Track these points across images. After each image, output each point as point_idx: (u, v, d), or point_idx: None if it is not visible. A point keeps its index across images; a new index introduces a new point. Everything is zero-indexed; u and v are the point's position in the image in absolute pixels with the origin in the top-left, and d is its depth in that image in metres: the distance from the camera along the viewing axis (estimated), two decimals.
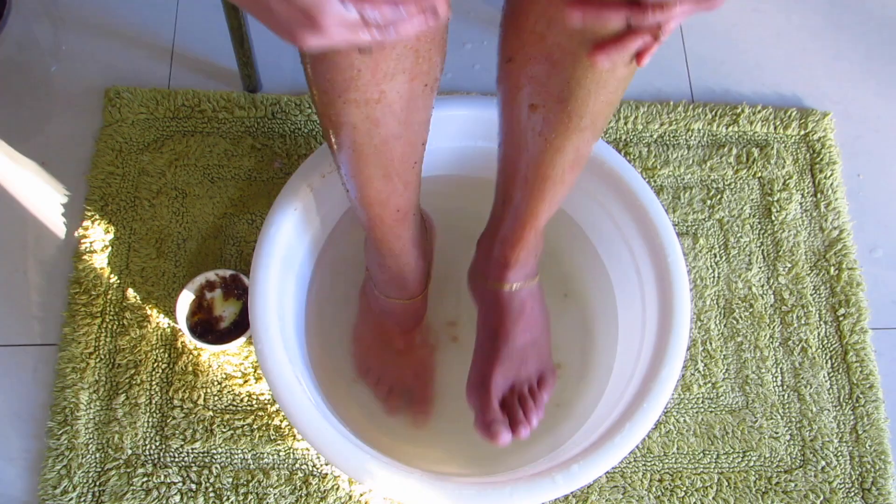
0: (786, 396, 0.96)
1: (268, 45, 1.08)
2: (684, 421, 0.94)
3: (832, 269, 1.03)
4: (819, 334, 1.00)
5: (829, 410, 0.96)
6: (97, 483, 0.88)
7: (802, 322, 1.00)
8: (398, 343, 0.89)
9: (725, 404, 0.95)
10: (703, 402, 0.95)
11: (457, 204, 0.96)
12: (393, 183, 0.67)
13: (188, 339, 0.92)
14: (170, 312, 0.95)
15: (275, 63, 1.10)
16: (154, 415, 0.91)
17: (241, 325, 0.93)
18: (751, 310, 1.00)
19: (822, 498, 0.92)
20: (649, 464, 0.92)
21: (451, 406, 0.90)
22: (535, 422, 0.78)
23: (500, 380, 0.79)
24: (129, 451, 0.89)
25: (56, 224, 1.00)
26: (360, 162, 0.64)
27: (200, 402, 0.92)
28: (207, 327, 0.93)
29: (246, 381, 0.92)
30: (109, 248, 0.98)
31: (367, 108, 0.57)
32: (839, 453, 0.94)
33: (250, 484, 0.89)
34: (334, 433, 0.70)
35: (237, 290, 0.94)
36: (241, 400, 0.92)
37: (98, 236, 0.98)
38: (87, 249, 0.98)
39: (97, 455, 0.89)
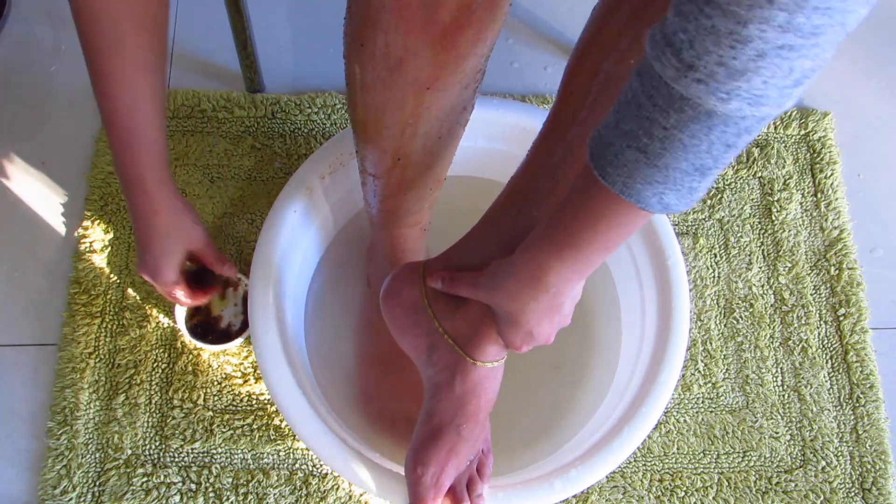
0: (786, 396, 0.96)
1: (269, 46, 1.08)
2: (684, 421, 0.94)
3: (832, 268, 1.03)
4: (819, 334, 1.00)
5: (829, 410, 0.96)
6: (97, 483, 0.88)
7: (803, 322, 1.00)
8: (400, 366, 0.86)
9: (725, 404, 0.95)
10: (703, 402, 0.95)
11: (458, 205, 0.96)
12: (423, 200, 0.71)
13: (188, 340, 0.92)
14: (169, 312, 0.95)
15: (275, 63, 1.10)
16: (154, 415, 0.91)
17: (240, 325, 0.93)
18: (751, 310, 1.00)
19: (822, 498, 0.92)
20: (649, 464, 0.92)
21: None
22: None
23: (453, 469, 0.67)
24: (129, 451, 0.90)
25: (56, 224, 1.00)
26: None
27: (200, 402, 0.92)
28: (207, 328, 0.93)
29: (246, 381, 0.92)
30: (109, 248, 0.98)
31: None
32: (839, 453, 0.94)
33: (250, 484, 0.89)
34: (332, 436, 0.70)
35: (230, 284, 0.94)
36: (241, 400, 0.92)
37: (98, 236, 0.98)
38: (87, 249, 0.98)
39: (97, 455, 0.89)
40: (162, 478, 0.88)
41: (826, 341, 0.99)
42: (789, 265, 1.02)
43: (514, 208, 0.63)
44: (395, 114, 0.58)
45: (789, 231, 1.04)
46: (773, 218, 1.05)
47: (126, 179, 0.69)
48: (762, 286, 1.01)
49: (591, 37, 0.59)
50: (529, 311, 0.57)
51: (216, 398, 0.92)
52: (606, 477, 0.91)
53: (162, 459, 0.89)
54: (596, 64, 0.59)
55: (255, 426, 0.91)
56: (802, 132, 1.10)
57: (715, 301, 1.00)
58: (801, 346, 0.98)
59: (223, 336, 0.92)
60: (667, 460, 0.92)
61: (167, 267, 0.75)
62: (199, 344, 0.91)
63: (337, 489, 0.89)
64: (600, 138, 0.45)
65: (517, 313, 0.57)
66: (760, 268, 1.02)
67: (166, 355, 0.94)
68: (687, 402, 0.95)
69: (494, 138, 0.89)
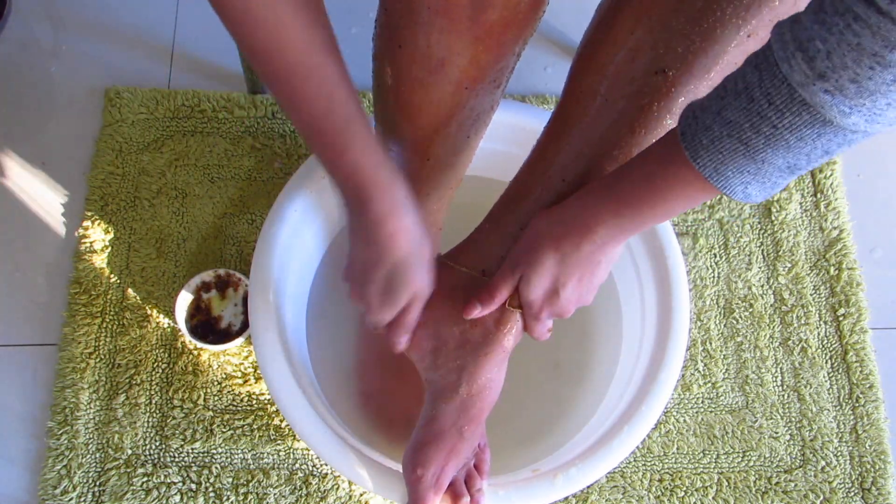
0: (786, 396, 0.96)
1: None
2: (684, 421, 0.94)
3: (832, 269, 1.03)
4: (819, 334, 1.00)
5: (829, 410, 0.96)
6: (97, 483, 0.88)
7: (802, 322, 1.00)
8: (399, 366, 0.86)
9: (725, 404, 0.95)
10: (703, 402, 0.95)
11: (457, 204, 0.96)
12: (444, 199, 0.71)
13: (188, 340, 0.92)
14: (169, 312, 0.95)
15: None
16: (154, 415, 0.91)
17: (241, 325, 0.93)
18: (751, 310, 1.00)
19: (822, 498, 0.92)
20: (649, 464, 0.92)
21: None
22: (482, 501, 0.67)
23: (453, 469, 0.66)
24: (129, 451, 0.90)
25: (56, 224, 1.00)
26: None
27: (200, 402, 0.92)
28: (207, 328, 0.93)
29: (246, 381, 0.93)
30: (109, 248, 0.98)
31: None
32: (839, 453, 0.94)
33: (250, 484, 0.89)
34: (332, 435, 0.70)
35: (230, 284, 0.94)
36: (241, 400, 0.92)
37: (98, 236, 0.98)
38: (87, 249, 0.98)
39: (97, 455, 0.89)
40: (162, 478, 0.88)
41: (826, 341, 0.99)
42: (789, 265, 1.02)
43: (520, 207, 0.62)
44: (430, 114, 0.58)
45: (789, 231, 1.04)
46: (773, 218, 1.05)
47: (350, 185, 0.55)
48: (762, 286, 1.01)
49: (599, 34, 0.59)
50: (568, 262, 0.56)
51: (216, 398, 0.92)
52: (606, 477, 0.91)
53: (162, 459, 0.89)
54: (605, 62, 0.57)
55: (255, 426, 0.91)
56: None
57: (715, 301, 1.00)
58: (800, 346, 0.98)
59: (223, 336, 0.93)
60: (667, 460, 0.92)
61: (392, 305, 0.61)
62: (200, 344, 0.91)
63: (337, 489, 0.89)
64: (696, 120, 0.45)
65: (552, 264, 0.56)
66: (760, 268, 1.02)
67: (166, 355, 0.94)
68: (687, 402, 0.95)
69: (494, 138, 0.89)
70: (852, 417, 0.96)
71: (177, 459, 0.89)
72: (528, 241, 0.58)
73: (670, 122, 0.56)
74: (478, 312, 0.61)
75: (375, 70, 0.59)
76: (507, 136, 0.87)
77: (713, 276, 1.01)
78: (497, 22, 0.50)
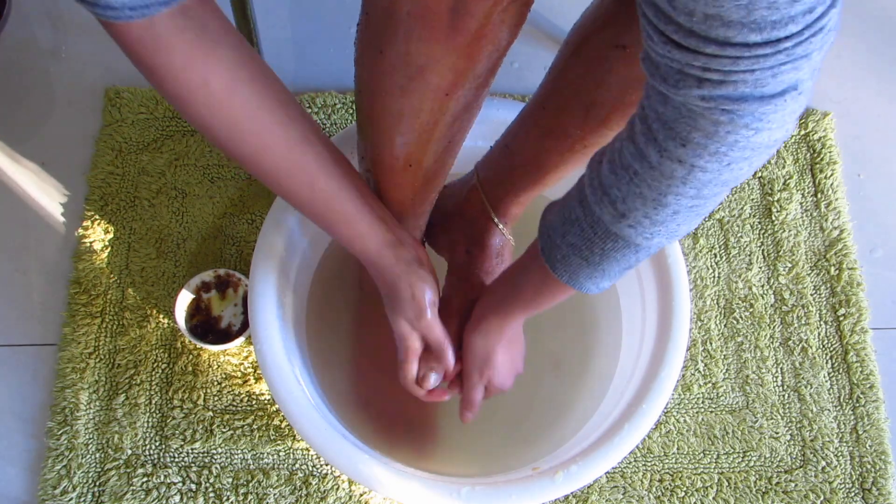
0: (786, 396, 0.96)
1: (269, 46, 1.08)
2: (684, 421, 0.94)
3: (832, 269, 1.03)
4: (819, 334, 1.00)
5: (829, 410, 0.96)
6: (97, 483, 0.88)
7: (803, 322, 1.00)
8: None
9: (725, 404, 0.95)
10: (703, 402, 0.95)
11: None
12: (426, 203, 0.75)
13: (188, 340, 0.92)
14: (169, 313, 0.95)
15: (275, 63, 1.09)
16: (154, 415, 0.91)
17: (241, 325, 0.93)
18: (751, 310, 1.00)
19: (822, 498, 0.92)
20: (649, 464, 0.92)
21: (452, 407, 0.90)
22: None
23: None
24: (129, 451, 0.89)
25: (56, 224, 1.00)
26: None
27: (200, 402, 0.92)
28: (207, 328, 0.93)
29: (246, 381, 0.92)
30: (109, 248, 0.98)
31: None
32: (839, 453, 0.94)
33: (250, 484, 0.89)
34: (334, 434, 0.70)
35: (230, 284, 0.94)
36: (241, 400, 0.92)
37: (98, 236, 0.98)
38: (87, 249, 0.98)
39: (97, 455, 0.89)
40: (162, 478, 0.88)
41: (826, 341, 0.99)
42: (789, 265, 1.02)
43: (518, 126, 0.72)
44: (411, 121, 0.58)
45: (789, 231, 1.04)
46: (773, 218, 1.05)
47: (366, 260, 0.67)
48: (762, 286, 1.01)
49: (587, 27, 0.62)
50: (489, 338, 0.71)
51: (216, 398, 0.92)
52: (606, 476, 0.91)
53: (162, 459, 0.89)
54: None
55: (255, 426, 0.91)
56: (802, 132, 1.10)
57: (715, 301, 1.00)
58: (801, 346, 0.98)
59: (223, 336, 0.93)
60: (667, 460, 0.92)
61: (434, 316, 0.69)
62: (200, 344, 0.91)
63: (337, 489, 0.89)
64: (550, 240, 0.56)
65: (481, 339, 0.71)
66: (760, 268, 1.02)
67: (166, 355, 0.94)
68: (687, 402, 0.95)
69: (494, 138, 0.89)
70: (853, 417, 0.96)
71: (177, 459, 0.89)
72: (469, 347, 0.72)
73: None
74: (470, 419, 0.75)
75: (357, 74, 0.60)
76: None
77: (713, 276, 1.01)
78: (477, 30, 0.50)
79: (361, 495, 0.89)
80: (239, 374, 0.93)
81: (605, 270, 0.55)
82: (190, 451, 0.90)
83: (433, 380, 0.72)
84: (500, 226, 0.76)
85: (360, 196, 0.63)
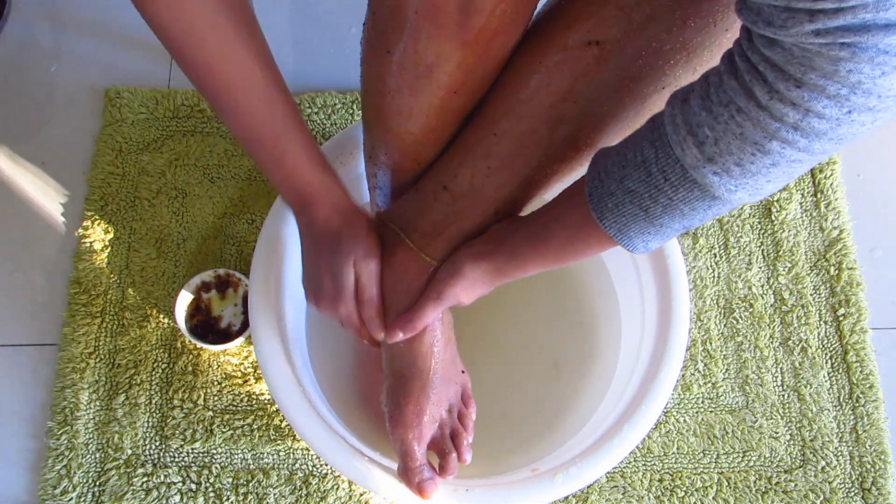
0: (786, 396, 0.96)
1: (270, 46, 1.08)
2: (684, 421, 0.94)
3: (832, 268, 1.03)
4: (819, 334, 1.00)
5: (829, 410, 0.96)
6: (97, 483, 0.88)
7: (802, 322, 1.00)
8: None
9: (725, 404, 0.95)
10: (703, 402, 0.95)
11: None
12: None
13: (188, 340, 0.92)
14: (169, 313, 0.95)
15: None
16: (154, 415, 0.91)
17: (241, 325, 0.93)
18: (751, 310, 1.00)
19: (822, 498, 0.92)
20: (649, 464, 0.92)
21: None
22: (468, 455, 0.70)
23: (429, 416, 0.70)
24: (129, 451, 0.90)
25: (56, 224, 1.00)
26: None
27: (200, 402, 0.92)
28: (207, 328, 0.93)
29: (246, 381, 0.93)
30: (109, 248, 0.98)
31: None
32: (839, 453, 0.94)
33: (250, 484, 0.89)
34: (333, 434, 0.70)
35: (230, 284, 0.94)
36: (241, 400, 0.92)
37: (98, 236, 0.98)
38: (87, 249, 0.98)
39: (97, 455, 0.89)
40: (162, 478, 0.88)
41: (826, 341, 0.99)
42: (789, 265, 1.02)
43: (460, 161, 0.64)
44: (419, 119, 0.58)
45: (789, 231, 1.04)
46: (773, 218, 1.05)
47: (291, 188, 0.61)
48: (762, 286, 1.01)
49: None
50: (483, 276, 0.62)
51: (216, 398, 0.92)
52: (606, 476, 0.91)
53: (162, 459, 0.89)
54: (554, 38, 0.56)
55: (255, 426, 0.91)
56: None
57: (715, 301, 1.00)
58: (800, 346, 0.98)
59: (223, 336, 0.93)
60: (667, 460, 0.92)
61: (342, 282, 0.64)
62: (200, 344, 0.91)
63: (337, 489, 0.89)
64: (601, 185, 0.49)
65: (469, 272, 0.62)
66: (760, 268, 1.02)
67: (166, 355, 0.94)
68: (687, 402, 0.95)
69: None
70: (852, 417, 0.96)
71: (177, 459, 0.89)
72: (448, 266, 0.64)
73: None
74: (400, 338, 0.67)
75: (364, 74, 0.60)
76: None
77: (713, 276, 1.01)
78: (485, 27, 0.50)
79: (361, 495, 0.89)
80: (239, 374, 0.93)
81: (662, 225, 0.48)
82: (190, 451, 0.90)
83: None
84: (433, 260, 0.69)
85: (305, 127, 0.60)
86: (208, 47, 0.52)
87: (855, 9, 0.33)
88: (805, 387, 0.97)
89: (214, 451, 0.90)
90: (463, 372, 0.74)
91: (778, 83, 0.38)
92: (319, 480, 0.89)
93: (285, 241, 0.80)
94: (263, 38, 0.56)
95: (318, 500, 0.88)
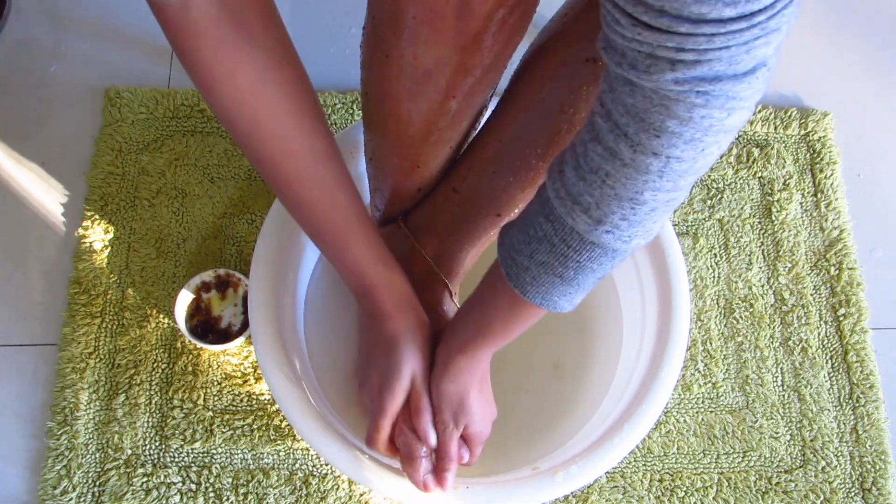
0: (786, 396, 0.96)
1: None
2: (684, 421, 0.94)
3: (832, 269, 1.03)
4: (819, 334, 1.00)
5: (829, 410, 0.96)
6: (97, 483, 0.88)
7: (802, 322, 1.00)
8: None
9: (725, 404, 0.95)
10: (703, 402, 0.95)
11: None
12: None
13: (188, 340, 0.92)
14: (169, 313, 0.95)
15: None
16: (154, 415, 0.91)
17: (241, 325, 0.93)
18: (751, 310, 1.00)
19: (822, 498, 0.92)
20: (649, 464, 0.92)
21: None
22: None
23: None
24: (129, 451, 0.89)
25: (56, 224, 1.00)
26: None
27: (200, 402, 0.92)
28: (207, 328, 0.93)
29: (246, 381, 0.92)
30: (109, 248, 0.98)
31: None
32: (839, 453, 0.94)
33: (250, 484, 0.89)
34: (334, 434, 0.70)
35: (230, 284, 0.94)
36: (241, 400, 0.92)
37: (98, 236, 0.98)
38: (87, 249, 0.98)
39: (97, 455, 0.89)
40: (162, 478, 0.88)
41: (826, 341, 0.99)
42: (789, 265, 1.02)
43: (468, 165, 0.68)
44: (418, 123, 0.59)
45: (789, 231, 1.04)
46: (773, 218, 1.05)
47: (354, 279, 0.64)
48: (762, 286, 1.01)
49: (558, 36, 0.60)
50: (461, 377, 0.65)
51: (216, 398, 0.92)
52: (606, 476, 0.91)
53: (162, 459, 0.89)
54: (554, 55, 0.60)
55: (255, 426, 0.91)
56: (802, 132, 1.10)
57: (715, 301, 1.00)
58: (801, 346, 0.98)
59: (223, 336, 0.93)
60: (667, 460, 0.92)
61: (396, 388, 0.64)
62: (200, 344, 0.91)
63: (337, 489, 0.89)
64: (515, 263, 0.53)
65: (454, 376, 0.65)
66: (760, 268, 1.02)
67: (166, 355, 0.94)
68: (687, 402, 0.95)
69: None
70: (853, 417, 0.96)
71: (177, 459, 0.89)
72: (446, 385, 0.65)
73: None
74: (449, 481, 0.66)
75: (363, 78, 0.60)
76: None
77: (713, 276, 1.01)
78: (482, 31, 0.50)
79: (361, 495, 0.89)
80: (239, 374, 0.93)
81: (579, 284, 0.52)
82: (190, 451, 0.90)
83: (424, 466, 0.65)
84: (454, 294, 0.73)
85: (368, 219, 0.62)
86: (270, 145, 0.54)
87: (711, 62, 0.37)
88: (805, 387, 0.97)
89: (214, 452, 0.90)
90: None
91: (640, 135, 0.41)
92: (319, 480, 0.89)
93: (285, 241, 0.80)
94: (328, 135, 0.57)
95: (318, 500, 0.88)
